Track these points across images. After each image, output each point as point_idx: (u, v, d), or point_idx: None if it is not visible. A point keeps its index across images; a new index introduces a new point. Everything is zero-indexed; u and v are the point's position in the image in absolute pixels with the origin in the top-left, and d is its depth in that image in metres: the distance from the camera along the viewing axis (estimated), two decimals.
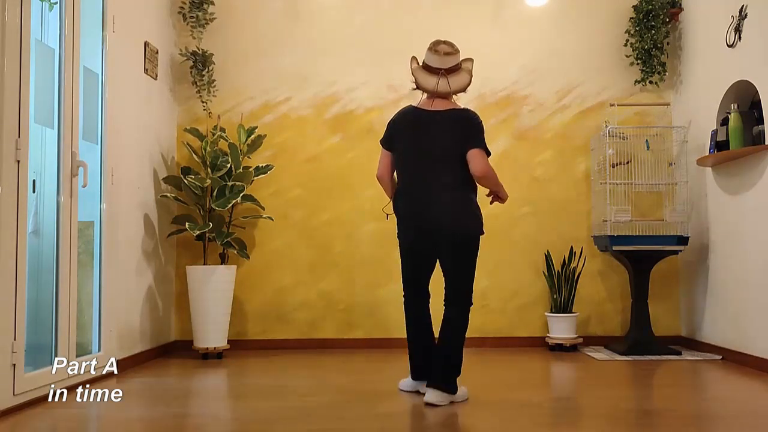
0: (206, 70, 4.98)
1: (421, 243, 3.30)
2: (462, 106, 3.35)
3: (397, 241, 3.41)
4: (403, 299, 3.45)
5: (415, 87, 3.41)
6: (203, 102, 5.01)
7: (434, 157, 3.22)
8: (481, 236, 3.25)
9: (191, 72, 4.99)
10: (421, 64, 3.38)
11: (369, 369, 3.69)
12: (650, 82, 5.08)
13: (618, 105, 4.95)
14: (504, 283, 5.07)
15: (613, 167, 4.84)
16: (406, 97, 5.10)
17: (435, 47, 3.35)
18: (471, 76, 3.39)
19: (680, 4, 5.03)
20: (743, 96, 4.29)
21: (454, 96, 3.38)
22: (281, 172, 5.06)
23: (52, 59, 3.50)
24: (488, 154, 3.25)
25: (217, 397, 3.65)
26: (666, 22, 5.00)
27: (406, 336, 3.44)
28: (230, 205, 4.57)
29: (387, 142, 3.42)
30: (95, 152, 3.91)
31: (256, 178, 4.85)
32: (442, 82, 3.30)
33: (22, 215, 3.05)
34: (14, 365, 2.98)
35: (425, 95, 3.39)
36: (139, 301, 4.41)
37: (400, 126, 3.37)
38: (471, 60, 3.40)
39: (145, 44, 4.53)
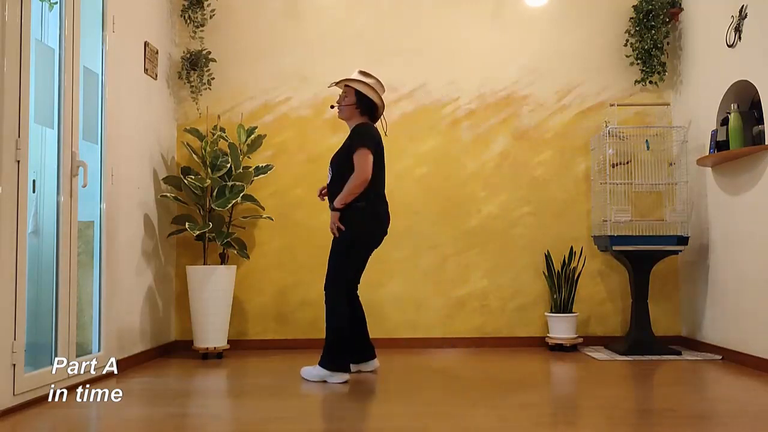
0: (200, 70, 4.97)
1: (379, 244, 3.85)
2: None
3: (354, 244, 3.75)
4: (330, 302, 3.72)
5: (360, 108, 3.84)
6: (194, 100, 5.01)
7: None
8: None
9: (182, 72, 4.98)
10: (370, 91, 3.81)
11: None
12: (650, 82, 5.08)
13: (618, 105, 4.95)
14: (504, 283, 5.06)
15: (613, 167, 4.84)
16: (406, 97, 5.14)
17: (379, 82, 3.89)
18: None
19: (680, 4, 5.03)
20: (743, 96, 4.29)
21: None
22: (281, 172, 5.06)
23: (52, 59, 3.50)
24: None
25: (217, 397, 3.65)
26: (666, 22, 5.00)
27: (340, 333, 3.63)
28: (230, 205, 4.57)
29: (376, 147, 3.78)
30: (95, 152, 3.91)
31: (256, 178, 4.85)
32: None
33: (22, 215, 3.05)
34: (14, 365, 2.98)
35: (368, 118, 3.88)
36: (139, 301, 4.41)
37: (378, 137, 3.80)
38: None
39: (145, 44, 4.53)
